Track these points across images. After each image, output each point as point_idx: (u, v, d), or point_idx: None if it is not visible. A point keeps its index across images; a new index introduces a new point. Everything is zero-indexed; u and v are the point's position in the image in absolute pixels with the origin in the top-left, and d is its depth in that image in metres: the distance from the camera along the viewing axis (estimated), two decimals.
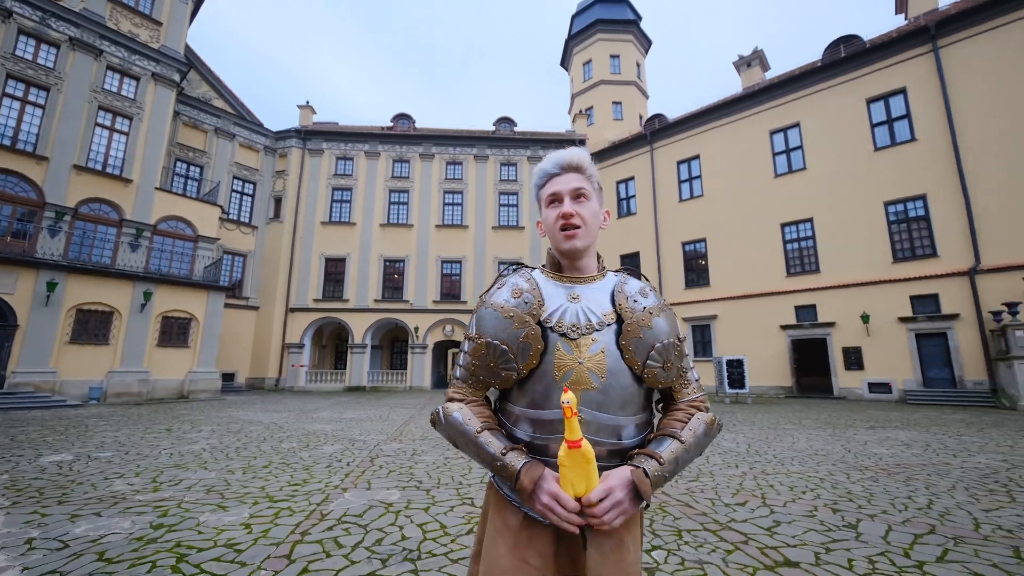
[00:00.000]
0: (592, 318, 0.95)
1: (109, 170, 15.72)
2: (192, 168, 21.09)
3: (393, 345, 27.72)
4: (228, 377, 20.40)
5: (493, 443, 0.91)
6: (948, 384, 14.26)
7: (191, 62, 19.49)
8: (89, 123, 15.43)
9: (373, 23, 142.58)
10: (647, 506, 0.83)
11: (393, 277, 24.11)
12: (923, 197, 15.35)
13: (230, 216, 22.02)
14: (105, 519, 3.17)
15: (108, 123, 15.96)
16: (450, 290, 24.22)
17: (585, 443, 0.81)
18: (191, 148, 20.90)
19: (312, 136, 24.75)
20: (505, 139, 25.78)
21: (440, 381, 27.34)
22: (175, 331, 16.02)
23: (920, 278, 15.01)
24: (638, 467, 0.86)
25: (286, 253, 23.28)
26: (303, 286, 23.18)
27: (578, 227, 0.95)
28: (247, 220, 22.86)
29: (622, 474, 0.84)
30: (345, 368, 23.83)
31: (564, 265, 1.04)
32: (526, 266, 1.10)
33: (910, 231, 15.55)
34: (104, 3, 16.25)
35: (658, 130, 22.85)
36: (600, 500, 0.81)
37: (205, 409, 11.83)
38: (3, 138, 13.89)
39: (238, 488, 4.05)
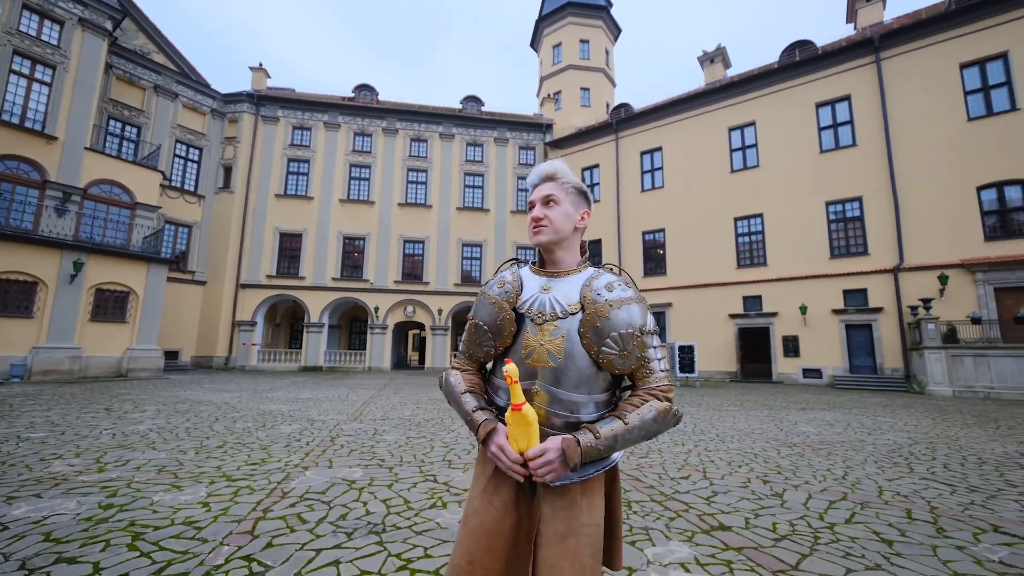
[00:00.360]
0: (557, 307, 1.09)
1: (28, 124, 14.18)
2: (128, 128, 19.36)
3: (352, 325, 27.11)
4: (172, 355, 19.29)
5: (469, 402, 1.11)
6: (870, 371, 15.75)
7: (126, 9, 17.70)
8: (2, 69, 13.78)
9: None
10: (574, 469, 0.97)
11: (353, 255, 23.43)
12: (859, 199, 16.60)
13: (173, 183, 20.51)
14: (47, 500, 3.03)
15: (27, 71, 14.33)
16: (412, 270, 23.86)
17: (527, 407, 0.97)
18: (127, 106, 19.14)
19: (266, 102, 23.30)
20: (472, 119, 25.34)
21: (400, 362, 27.11)
22: (111, 305, 14.91)
23: (852, 274, 16.34)
24: (573, 437, 0.98)
25: (237, 226, 22.04)
26: (255, 261, 22.10)
27: (544, 226, 1.11)
28: (192, 188, 21.37)
29: (558, 440, 0.98)
30: (300, 347, 23.13)
31: (546, 261, 1.18)
32: (521, 261, 1.26)
33: (847, 230, 16.83)
34: None
35: (624, 119, 23.21)
36: (535, 458, 0.97)
37: (147, 388, 11.21)
38: None
39: (192, 468, 3.95)
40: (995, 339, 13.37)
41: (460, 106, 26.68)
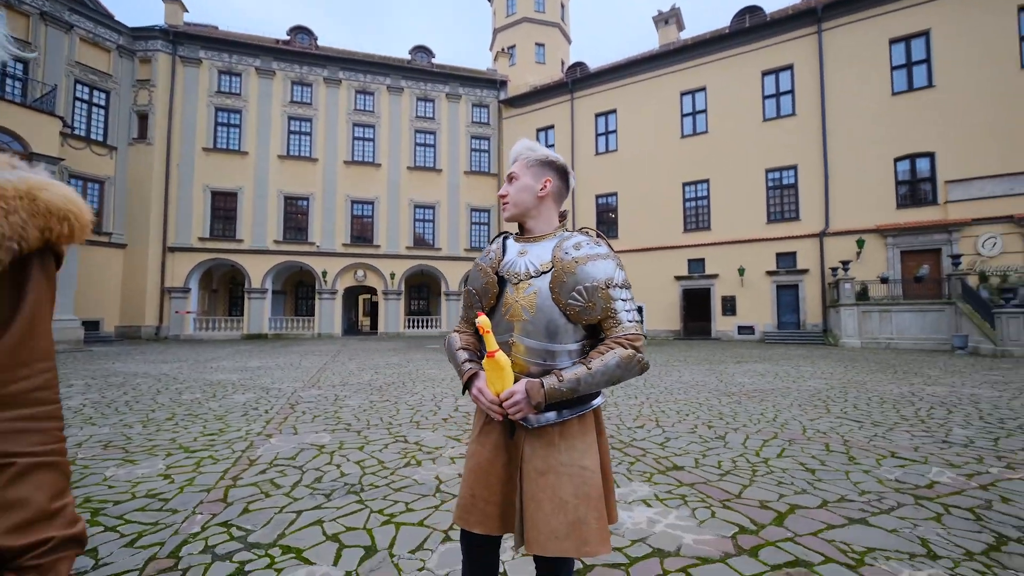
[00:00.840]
0: (531, 268, 1.21)
1: None
2: (14, 66, 16.56)
3: (298, 290, 25.91)
4: (92, 326, 17.61)
5: (461, 356, 1.27)
6: (795, 327, 17.41)
7: None
8: None
9: None
10: (538, 408, 1.10)
11: (296, 216, 22.07)
12: (795, 167, 17.71)
13: (76, 132, 18.00)
14: None
15: None
16: (361, 233, 22.93)
17: (499, 354, 1.09)
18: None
19: (185, 40, 20.65)
20: (422, 71, 23.97)
21: (351, 328, 26.48)
22: None
23: (785, 238, 17.65)
24: (539, 380, 1.11)
25: (159, 182, 19.95)
26: (184, 222, 20.27)
27: (507, 203, 1.25)
28: (101, 139, 18.90)
29: (524, 382, 1.11)
30: (242, 315, 21.90)
31: (524, 230, 1.31)
32: (510, 234, 1.36)
33: (782, 197, 18.01)
34: None
35: (579, 79, 22.90)
36: (507, 399, 1.10)
37: (68, 362, 10.27)
38: None
39: (142, 442, 3.75)
40: (898, 296, 15.15)
41: (409, 57, 25.07)
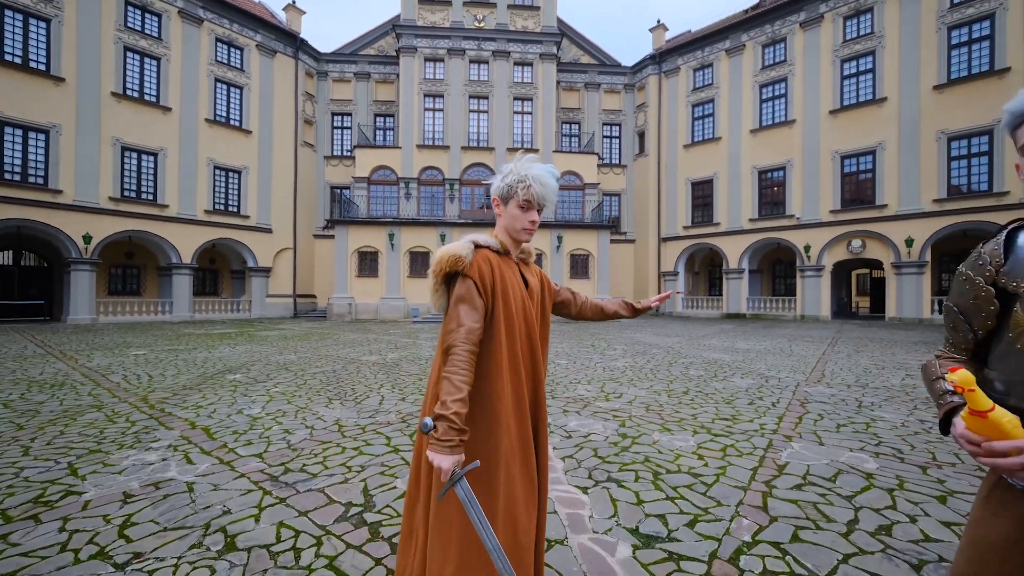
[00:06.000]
0: None
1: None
2: (572, 126, 24.69)
3: (775, 268, 24.29)
4: None
5: (941, 387, 0.93)
6: None
7: (562, 31, 22.22)
8: (507, 114, 20.53)
9: None
10: None
11: (771, 190, 20.61)
12: None
13: (604, 161, 24.59)
14: (584, 419, 4.04)
15: (519, 109, 20.77)
16: (857, 194, 18.39)
17: (998, 412, 0.75)
18: (569, 109, 24.36)
19: (667, 56, 23.65)
20: None
21: (842, 310, 22.08)
22: (579, 266, 19.81)
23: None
24: None
25: (653, 185, 24.05)
26: (672, 215, 23.47)
27: None
28: (617, 161, 24.93)
29: None
30: (721, 294, 22.96)
31: None
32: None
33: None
34: (506, 11, 20.70)
35: None
36: None
37: (609, 329, 14.12)
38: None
39: (671, 412, 4.32)
40: None
41: None
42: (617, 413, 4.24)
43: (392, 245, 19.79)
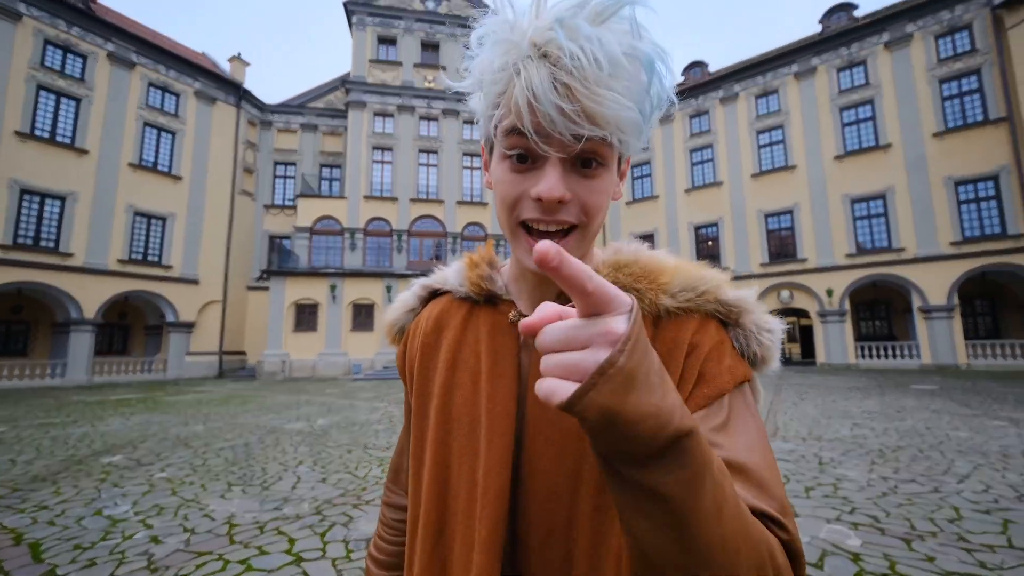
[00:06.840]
0: None
1: (468, 198, 20.73)
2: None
3: None
4: None
5: None
6: None
7: None
8: (456, 168, 20.80)
9: None
10: None
11: (706, 244, 21.93)
12: None
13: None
14: None
15: (468, 164, 21.16)
16: (780, 248, 19.95)
17: None
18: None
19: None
20: (846, 32, 19.01)
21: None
22: None
23: None
24: None
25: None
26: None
27: None
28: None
29: None
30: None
31: None
32: None
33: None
34: (456, 74, 21.58)
35: None
36: None
37: None
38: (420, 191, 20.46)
39: None
40: None
41: (820, 26, 20.59)
42: None
43: (334, 297, 18.70)
